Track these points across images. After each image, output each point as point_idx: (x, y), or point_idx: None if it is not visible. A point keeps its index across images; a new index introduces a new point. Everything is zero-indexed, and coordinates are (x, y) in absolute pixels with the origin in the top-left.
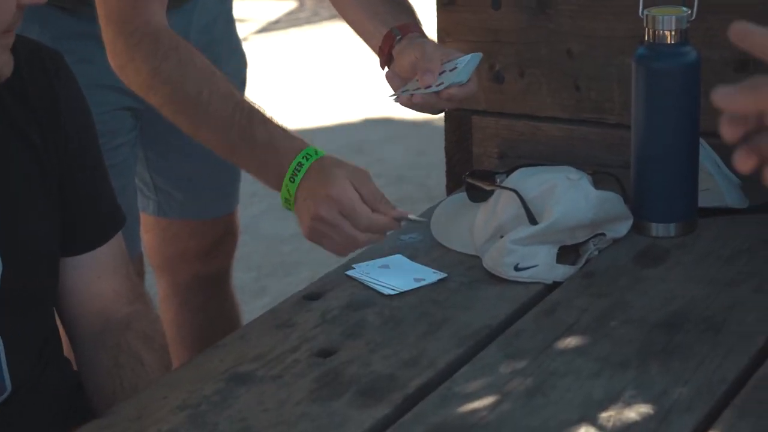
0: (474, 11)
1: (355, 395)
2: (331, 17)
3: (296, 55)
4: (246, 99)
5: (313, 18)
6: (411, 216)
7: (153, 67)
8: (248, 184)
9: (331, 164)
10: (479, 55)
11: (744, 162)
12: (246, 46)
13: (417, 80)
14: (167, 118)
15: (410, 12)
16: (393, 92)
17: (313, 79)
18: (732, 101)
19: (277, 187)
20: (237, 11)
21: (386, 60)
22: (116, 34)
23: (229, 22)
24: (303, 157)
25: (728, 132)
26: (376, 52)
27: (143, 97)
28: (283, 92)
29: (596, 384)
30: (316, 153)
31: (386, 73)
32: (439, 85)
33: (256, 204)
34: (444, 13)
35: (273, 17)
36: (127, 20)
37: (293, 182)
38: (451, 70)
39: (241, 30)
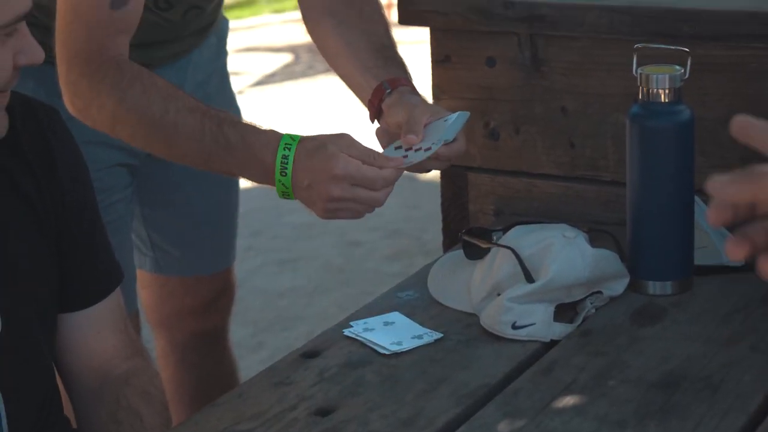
0: (469, 68)
1: None
2: (327, 70)
3: (292, 108)
4: (212, 108)
5: (309, 71)
6: (406, 161)
7: (118, 97)
8: (244, 239)
9: (316, 145)
10: (466, 113)
11: (736, 251)
12: (242, 99)
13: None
14: (139, 147)
15: (401, 65)
16: (382, 151)
17: (308, 132)
18: (728, 192)
19: (266, 182)
20: (233, 64)
21: (376, 113)
22: (80, 76)
23: (224, 77)
24: (284, 148)
25: (715, 218)
26: (366, 106)
27: (110, 134)
28: None
29: None
30: (293, 139)
31: (376, 129)
32: (428, 149)
33: (252, 258)
34: (439, 69)
35: (269, 70)
36: (92, 59)
37: (285, 176)
38: (439, 127)
39: (237, 83)
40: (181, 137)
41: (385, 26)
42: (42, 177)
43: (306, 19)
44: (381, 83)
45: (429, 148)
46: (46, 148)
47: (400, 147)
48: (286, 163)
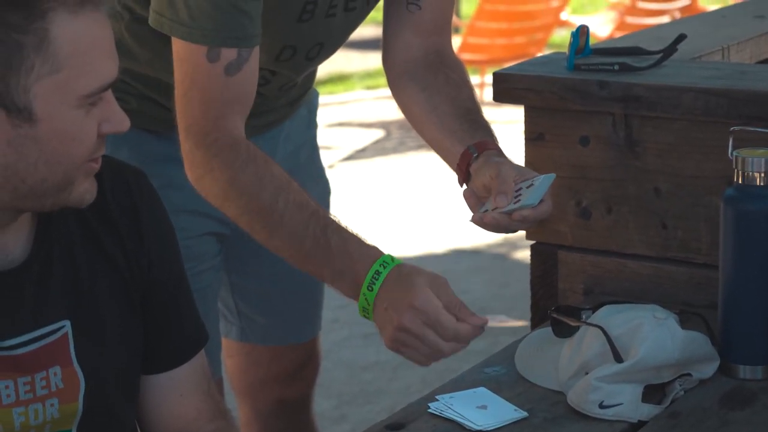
0: (562, 147)
1: None
2: (418, 147)
3: (382, 184)
4: (320, 208)
5: (400, 147)
6: (491, 322)
7: (230, 176)
8: (330, 311)
9: (409, 272)
10: (553, 175)
11: None
12: (332, 173)
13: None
14: (243, 227)
15: (486, 129)
16: (472, 214)
17: (399, 208)
18: None
19: (353, 295)
20: (324, 138)
21: (464, 177)
22: (195, 146)
23: (314, 149)
24: (380, 265)
25: None
26: (454, 170)
27: (219, 208)
28: (368, 220)
29: None
30: (393, 260)
31: (464, 191)
32: (511, 205)
33: (338, 330)
34: (532, 147)
35: (360, 145)
36: (207, 132)
37: (371, 291)
38: (527, 188)
39: (328, 157)
40: (284, 230)
41: (470, 91)
42: (129, 241)
43: (392, 86)
44: (468, 147)
45: (513, 205)
46: (134, 213)
47: (487, 210)
48: (376, 280)
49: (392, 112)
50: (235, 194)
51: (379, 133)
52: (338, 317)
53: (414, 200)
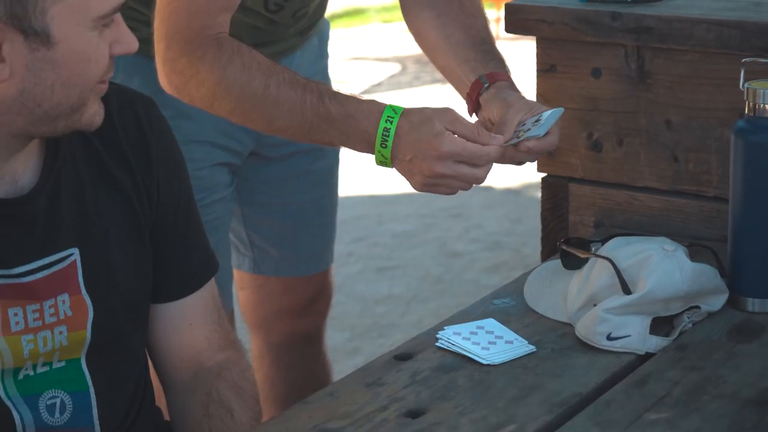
0: (574, 78)
1: None
2: (433, 81)
3: None
4: (311, 80)
5: (415, 81)
6: (512, 140)
7: (218, 74)
8: (344, 245)
9: (420, 120)
10: (561, 109)
11: None
12: None
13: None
14: (238, 122)
15: (499, 60)
16: None
17: None
18: None
19: (367, 151)
20: (340, 72)
21: (474, 107)
22: (180, 54)
23: (326, 79)
24: (386, 121)
25: None
26: (464, 99)
27: (208, 110)
28: None
29: None
30: (396, 111)
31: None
32: (518, 137)
33: (352, 264)
34: (544, 79)
35: (375, 80)
36: (192, 38)
37: (385, 147)
38: (534, 123)
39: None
40: (282, 111)
41: (484, 21)
42: (138, 170)
43: (405, 11)
44: (479, 77)
45: (518, 137)
46: (143, 140)
47: None
48: (387, 136)
49: (408, 46)
50: (224, 89)
51: (395, 68)
52: (352, 251)
53: None
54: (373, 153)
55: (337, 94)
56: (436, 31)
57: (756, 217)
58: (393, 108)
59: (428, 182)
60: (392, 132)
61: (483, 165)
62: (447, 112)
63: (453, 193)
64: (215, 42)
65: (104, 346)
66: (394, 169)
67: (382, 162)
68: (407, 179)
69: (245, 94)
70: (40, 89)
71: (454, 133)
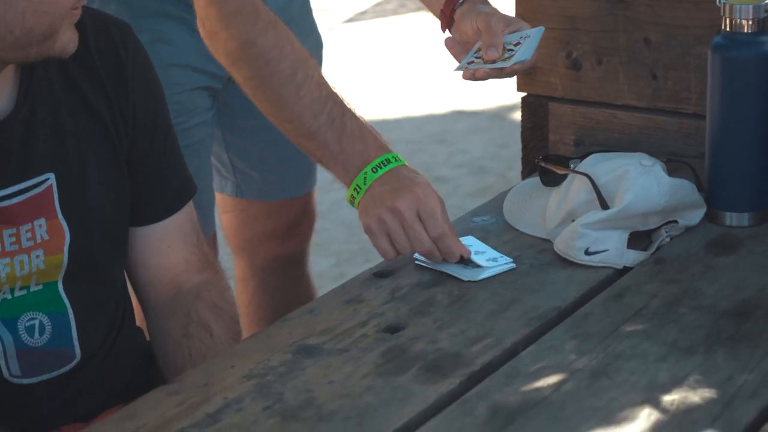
0: None
1: (421, 371)
2: (418, 9)
3: (382, 46)
4: (339, 93)
5: (400, 9)
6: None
7: (249, 38)
8: None
9: (418, 174)
10: (542, 29)
11: None
12: (333, 35)
13: (478, 51)
14: (246, 92)
15: None
16: (458, 64)
17: (398, 69)
18: None
19: (347, 177)
20: (324, 0)
21: (448, 22)
22: (210, 2)
23: (306, 3)
24: (393, 158)
25: None
26: (437, 16)
27: (227, 67)
28: (368, 82)
29: (662, 368)
30: (403, 161)
31: (446, 40)
32: (504, 60)
33: (338, 191)
34: None
35: (360, 8)
36: None
37: (375, 173)
38: (515, 44)
39: (328, 19)
40: (297, 103)
41: None
42: (113, 93)
43: None
44: None
45: (504, 60)
46: (118, 65)
47: (473, 59)
48: (384, 166)
49: None
50: (251, 56)
51: None
52: None
53: (413, 62)
54: (351, 181)
55: (360, 120)
56: None
57: (732, 131)
58: (401, 158)
59: (383, 216)
60: (390, 166)
61: (433, 238)
62: (436, 198)
63: (387, 252)
64: (252, 3)
65: (81, 270)
66: (359, 203)
67: (356, 188)
68: (363, 211)
69: (269, 69)
70: (11, 15)
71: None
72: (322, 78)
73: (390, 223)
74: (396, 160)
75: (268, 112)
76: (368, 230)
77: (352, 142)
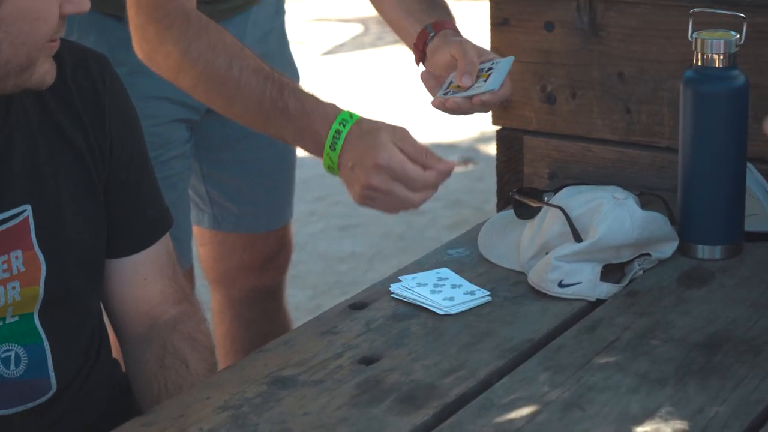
0: (527, 32)
1: (395, 402)
2: (395, 42)
3: (360, 79)
4: (275, 71)
5: (378, 42)
6: (458, 164)
7: (184, 48)
8: (306, 203)
9: (370, 128)
10: (512, 58)
11: None
12: (311, 68)
13: (451, 82)
14: (200, 99)
15: (444, 9)
16: (432, 97)
17: (376, 102)
18: None
19: (317, 153)
20: (303, 33)
21: (420, 56)
22: (148, 20)
23: (283, 36)
24: (340, 124)
25: None
26: (411, 50)
27: (173, 82)
28: None
29: (633, 399)
30: (351, 117)
31: (421, 74)
32: (476, 87)
33: (314, 223)
34: (497, 32)
35: (338, 40)
36: (159, 5)
37: (334, 150)
38: (486, 71)
39: (307, 52)
40: (242, 96)
41: None
42: (90, 125)
43: None
44: (425, 26)
45: (474, 88)
46: (96, 97)
47: (448, 91)
48: (338, 139)
49: (370, 7)
50: (188, 64)
51: (358, 28)
52: (314, 210)
53: (391, 95)
54: (319, 154)
55: (299, 91)
56: None
57: (704, 165)
58: (350, 114)
59: (364, 193)
60: (342, 136)
61: (419, 190)
62: (399, 129)
63: (391, 212)
64: (183, 14)
65: (57, 302)
66: (341, 178)
67: (329, 167)
68: (348, 190)
69: (208, 72)
70: None
71: (401, 151)
72: (257, 62)
73: (373, 195)
74: (345, 124)
75: (223, 111)
76: (363, 203)
77: (300, 120)
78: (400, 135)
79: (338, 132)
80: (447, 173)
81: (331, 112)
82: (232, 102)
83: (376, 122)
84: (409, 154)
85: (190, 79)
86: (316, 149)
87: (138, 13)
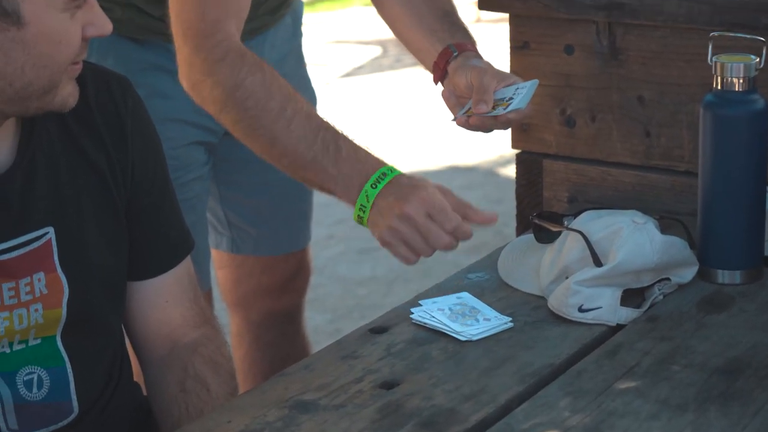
0: (547, 55)
1: (416, 427)
2: (414, 64)
3: (379, 101)
4: (330, 121)
5: (396, 64)
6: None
7: (236, 82)
8: (325, 227)
9: (417, 177)
10: (536, 82)
11: None
12: (329, 90)
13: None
14: (237, 135)
15: (465, 31)
16: (453, 116)
17: (394, 124)
18: None
19: (350, 198)
20: (321, 55)
21: (441, 76)
22: (196, 50)
23: (300, 58)
24: (388, 170)
25: None
26: (429, 69)
27: (215, 114)
28: (364, 136)
29: (654, 425)
30: (399, 171)
31: (442, 92)
32: (497, 109)
33: (333, 246)
34: (517, 55)
35: (357, 63)
36: (208, 35)
37: (374, 189)
38: (509, 98)
39: (325, 74)
40: (290, 137)
41: None
42: (113, 149)
43: None
44: (448, 46)
45: (499, 108)
46: (118, 120)
47: (467, 112)
48: (382, 180)
49: (389, 29)
50: (239, 99)
51: (377, 51)
52: (333, 233)
53: (410, 117)
54: (355, 200)
55: (354, 143)
56: (401, 4)
57: (724, 189)
58: (399, 169)
59: (394, 225)
60: (388, 178)
61: (449, 231)
62: (444, 186)
63: (409, 257)
64: (236, 48)
65: (80, 324)
66: (368, 220)
67: (361, 208)
68: (374, 227)
69: (258, 109)
70: (10, 69)
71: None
72: (312, 109)
73: (403, 230)
74: (392, 172)
75: (260, 150)
76: (384, 242)
77: (349, 163)
78: (444, 189)
79: (384, 174)
80: (485, 220)
81: (383, 162)
82: (276, 143)
83: (424, 178)
84: (451, 203)
85: (235, 115)
86: (351, 192)
87: (185, 43)
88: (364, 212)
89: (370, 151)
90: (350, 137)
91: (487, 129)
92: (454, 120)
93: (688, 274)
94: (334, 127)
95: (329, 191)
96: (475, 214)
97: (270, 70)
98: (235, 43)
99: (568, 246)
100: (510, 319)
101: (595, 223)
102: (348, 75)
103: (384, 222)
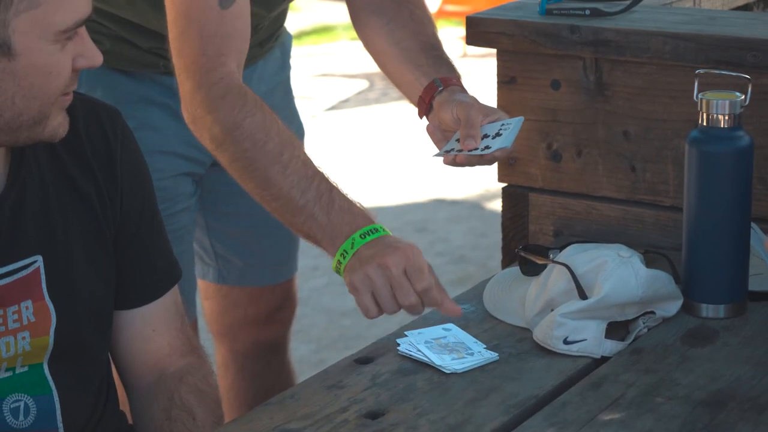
0: (533, 90)
1: None
2: (400, 97)
3: (365, 134)
4: (326, 172)
5: (382, 98)
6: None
7: (235, 121)
8: (310, 258)
9: (405, 241)
10: (522, 119)
11: None
12: (315, 123)
13: (458, 139)
14: (231, 173)
15: (450, 66)
16: (437, 151)
17: (380, 157)
18: None
19: (335, 246)
20: (308, 88)
21: (426, 110)
22: (197, 86)
23: (288, 91)
24: (380, 227)
25: None
26: (414, 103)
27: (212, 150)
28: (350, 169)
29: None
30: (390, 232)
31: (427, 126)
32: (485, 148)
33: (318, 278)
34: (504, 90)
35: (343, 96)
36: (209, 70)
37: (362, 239)
38: (495, 135)
39: (312, 107)
40: (284, 181)
41: (433, 28)
42: (102, 178)
43: (354, 18)
44: (433, 81)
45: (485, 148)
46: (107, 151)
47: (454, 147)
48: (372, 234)
49: (375, 63)
50: (237, 139)
51: (363, 84)
52: (318, 265)
53: (396, 150)
54: (336, 249)
55: (348, 198)
56: (386, 38)
57: (709, 224)
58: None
59: (370, 273)
60: (377, 234)
61: (419, 292)
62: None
63: (371, 310)
64: (237, 86)
65: (67, 352)
66: (346, 266)
67: (343, 254)
68: (350, 271)
69: (255, 150)
70: (0, 100)
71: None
72: (308, 158)
73: (376, 279)
74: (383, 230)
75: (253, 191)
76: (352, 288)
77: (341, 214)
78: (428, 264)
79: (375, 230)
80: (448, 310)
81: (374, 220)
82: (270, 185)
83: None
84: (414, 284)
85: (232, 153)
86: (336, 242)
87: (187, 78)
88: (344, 258)
89: (362, 207)
90: (344, 191)
91: (471, 165)
92: (437, 155)
93: (673, 307)
94: (329, 179)
95: (314, 239)
96: (446, 300)
97: (270, 111)
98: (236, 81)
99: (554, 279)
100: (497, 354)
101: (581, 256)
102: (334, 108)
103: (361, 269)
